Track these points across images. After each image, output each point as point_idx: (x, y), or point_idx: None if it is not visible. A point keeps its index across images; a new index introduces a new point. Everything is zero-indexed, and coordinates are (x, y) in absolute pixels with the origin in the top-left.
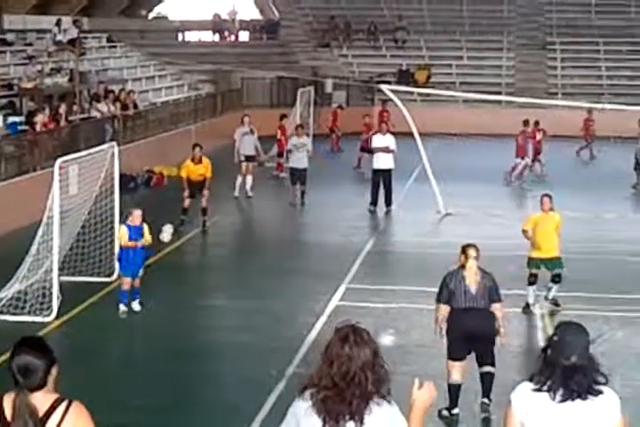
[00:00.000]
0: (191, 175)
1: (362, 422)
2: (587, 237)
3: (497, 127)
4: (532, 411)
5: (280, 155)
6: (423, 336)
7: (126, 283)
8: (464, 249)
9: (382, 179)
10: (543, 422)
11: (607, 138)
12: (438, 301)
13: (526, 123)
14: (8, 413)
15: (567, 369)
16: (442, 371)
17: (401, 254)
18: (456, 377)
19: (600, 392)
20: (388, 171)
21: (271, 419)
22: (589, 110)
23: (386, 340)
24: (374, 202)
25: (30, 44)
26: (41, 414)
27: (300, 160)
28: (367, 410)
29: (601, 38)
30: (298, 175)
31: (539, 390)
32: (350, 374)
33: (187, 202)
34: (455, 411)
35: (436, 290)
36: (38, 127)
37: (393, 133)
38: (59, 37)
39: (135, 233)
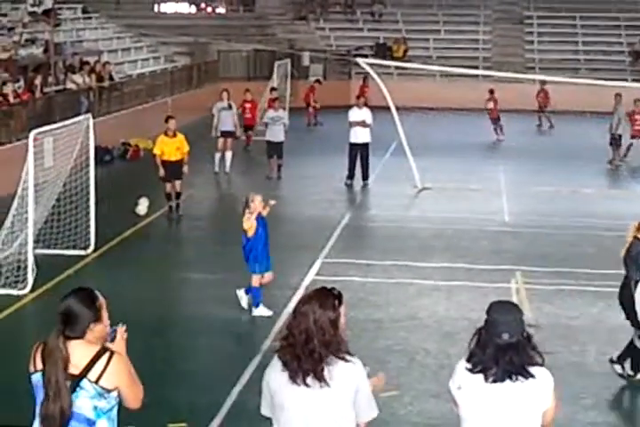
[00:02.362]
0: (166, 151)
1: (321, 379)
2: (563, 211)
3: (474, 101)
4: (463, 387)
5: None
6: (399, 311)
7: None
8: None
9: (359, 153)
10: (472, 401)
11: (583, 113)
12: None
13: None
14: (39, 361)
15: (498, 347)
16: (418, 346)
17: (378, 229)
18: None
19: (532, 375)
20: (365, 145)
21: (248, 392)
22: (543, 82)
23: (362, 314)
24: (351, 176)
25: (5, 15)
26: (84, 362)
27: (276, 133)
28: (324, 367)
29: (578, 13)
30: (274, 149)
31: (471, 369)
32: (304, 330)
33: (167, 187)
34: None
35: (414, 264)
36: (11, 98)
37: (370, 107)
38: (33, 8)
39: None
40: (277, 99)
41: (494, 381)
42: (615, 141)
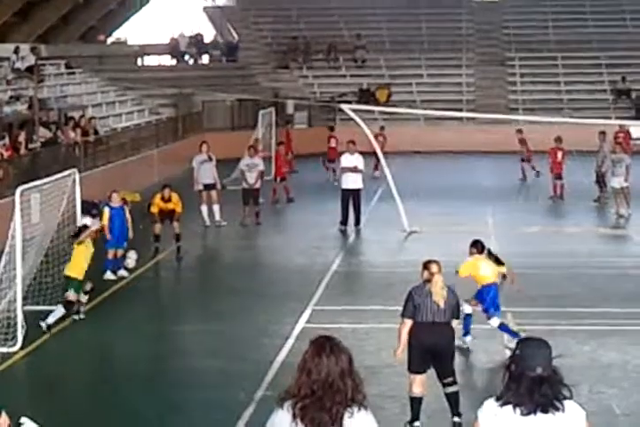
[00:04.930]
0: (161, 209)
1: None
2: (552, 251)
3: (459, 144)
4: (499, 415)
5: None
6: (391, 356)
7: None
8: (426, 265)
9: (352, 198)
10: None
11: (570, 152)
12: (402, 315)
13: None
14: None
15: (533, 381)
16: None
17: (367, 274)
18: (416, 391)
19: (563, 407)
20: (357, 190)
21: None
22: (519, 130)
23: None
24: (344, 221)
25: None
26: None
27: (251, 180)
28: (346, 416)
29: (559, 53)
30: (250, 195)
31: (504, 403)
32: (329, 382)
33: (157, 228)
34: (417, 424)
35: (398, 308)
36: None
37: (361, 153)
38: (17, 65)
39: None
40: (253, 146)
41: (527, 413)
42: (601, 179)
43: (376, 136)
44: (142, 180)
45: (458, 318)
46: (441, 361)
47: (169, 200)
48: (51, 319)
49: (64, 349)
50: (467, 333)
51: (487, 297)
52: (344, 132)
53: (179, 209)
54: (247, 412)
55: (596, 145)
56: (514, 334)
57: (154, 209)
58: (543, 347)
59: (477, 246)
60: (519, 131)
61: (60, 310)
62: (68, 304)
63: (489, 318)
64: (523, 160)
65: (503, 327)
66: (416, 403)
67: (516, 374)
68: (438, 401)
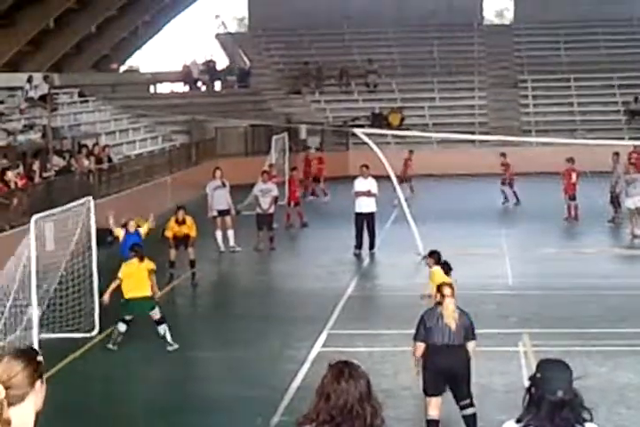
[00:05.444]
0: (176, 234)
1: None
2: (567, 272)
3: (472, 167)
4: None
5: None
6: (408, 379)
7: None
8: (439, 288)
9: (365, 222)
10: None
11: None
12: (415, 339)
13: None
14: None
15: (554, 405)
16: None
17: (382, 298)
18: (433, 413)
19: None
20: (371, 214)
21: None
22: (502, 154)
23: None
24: (359, 245)
25: (2, 102)
26: None
27: (265, 206)
28: None
29: (572, 74)
30: (264, 220)
31: (525, 426)
32: (348, 408)
33: (172, 254)
34: None
35: (412, 331)
36: (12, 185)
37: (374, 177)
38: (30, 94)
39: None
40: (267, 171)
41: None
42: (616, 200)
43: (406, 160)
44: (157, 206)
45: (473, 339)
46: (456, 384)
47: (183, 223)
48: (168, 338)
49: (80, 376)
50: None
51: None
52: (357, 156)
53: (193, 233)
54: None
55: (609, 166)
56: None
57: (168, 233)
58: (564, 369)
59: (434, 257)
60: (503, 154)
61: (163, 329)
62: (162, 320)
63: None
64: (503, 183)
65: None
66: (432, 425)
67: (537, 397)
68: (456, 424)
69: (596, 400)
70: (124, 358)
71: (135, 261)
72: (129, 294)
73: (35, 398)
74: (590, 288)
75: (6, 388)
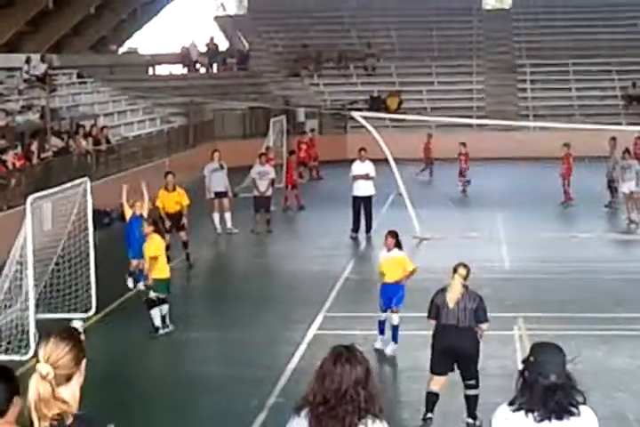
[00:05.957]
0: (166, 204)
1: None
2: (563, 256)
3: (469, 151)
4: (509, 419)
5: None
6: (404, 362)
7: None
8: (455, 268)
9: (363, 205)
10: None
11: (581, 158)
12: (428, 317)
13: None
14: None
15: (547, 388)
16: (422, 397)
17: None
18: (434, 387)
19: (578, 413)
20: (369, 197)
21: None
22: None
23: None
24: (356, 229)
25: (0, 83)
26: None
27: (262, 188)
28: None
29: (569, 59)
30: (261, 203)
31: (518, 409)
32: (342, 391)
33: (166, 237)
34: (429, 415)
35: (417, 315)
36: (10, 165)
37: (372, 160)
38: (28, 75)
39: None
40: (265, 154)
41: (541, 420)
42: (612, 185)
43: (426, 144)
44: (154, 188)
45: (485, 321)
46: (462, 364)
47: (173, 190)
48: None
49: None
50: (394, 341)
51: (402, 292)
52: (355, 140)
53: (185, 201)
54: (259, 419)
55: (606, 151)
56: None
57: (159, 203)
58: (557, 353)
59: (395, 237)
60: (463, 144)
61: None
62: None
63: (396, 312)
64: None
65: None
66: (431, 397)
67: (530, 380)
68: (455, 404)
69: (590, 384)
70: (121, 340)
71: (158, 237)
72: (159, 274)
73: (80, 378)
74: (586, 272)
75: (54, 368)
